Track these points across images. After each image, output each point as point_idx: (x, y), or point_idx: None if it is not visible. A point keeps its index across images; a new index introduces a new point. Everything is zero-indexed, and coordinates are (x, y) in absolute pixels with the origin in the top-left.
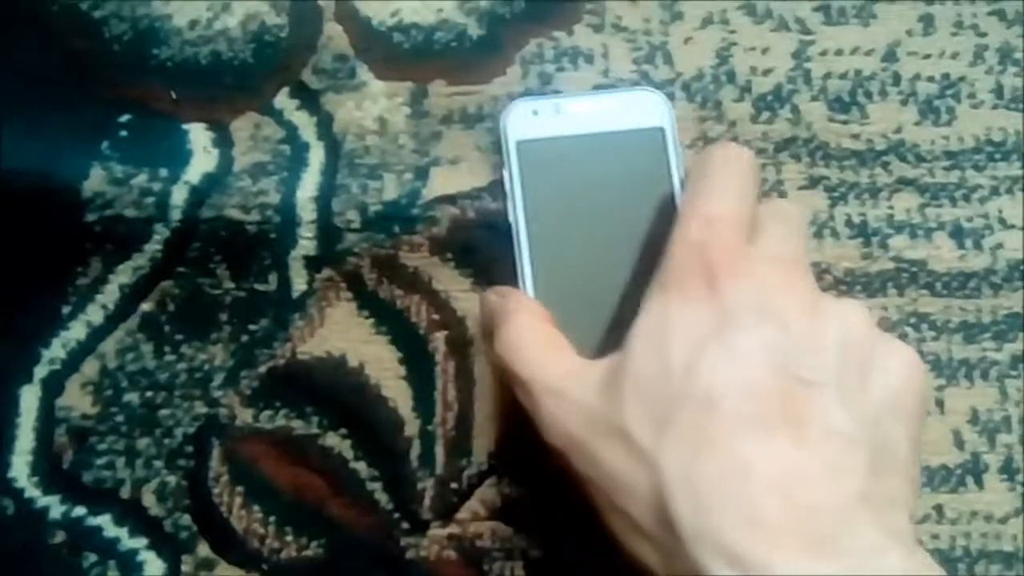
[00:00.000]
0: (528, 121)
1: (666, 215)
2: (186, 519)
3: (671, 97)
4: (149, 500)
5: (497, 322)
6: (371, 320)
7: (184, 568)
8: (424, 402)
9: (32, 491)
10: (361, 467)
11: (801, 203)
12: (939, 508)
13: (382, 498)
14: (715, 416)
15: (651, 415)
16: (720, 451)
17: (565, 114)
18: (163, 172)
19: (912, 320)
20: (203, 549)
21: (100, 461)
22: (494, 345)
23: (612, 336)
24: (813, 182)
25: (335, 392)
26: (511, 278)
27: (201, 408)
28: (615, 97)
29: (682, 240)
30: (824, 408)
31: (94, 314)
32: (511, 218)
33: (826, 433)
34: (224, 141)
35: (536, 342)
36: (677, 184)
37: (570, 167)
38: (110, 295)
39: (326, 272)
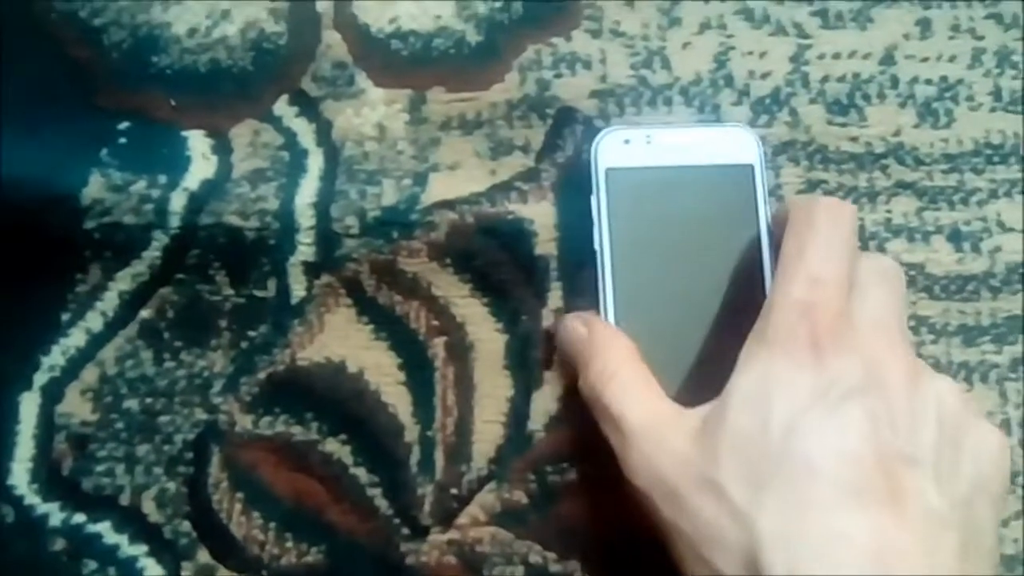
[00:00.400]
0: (619, 149)
1: (751, 254)
2: (186, 526)
3: (669, 102)
4: (149, 507)
5: (587, 353)
6: (370, 326)
7: (184, 575)
8: (423, 408)
9: (32, 498)
10: (361, 473)
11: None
12: None
13: (382, 504)
14: (815, 482)
15: (748, 473)
16: (818, 517)
17: (656, 145)
18: (162, 179)
19: (911, 323)
20: (203, 556)
21: (100, 468)
22: (585, 376)
23: (692, 373)
24: (811, 186)
25: (334, 398)
26: (510, 284)
27: (201, 415)
28: (707, 131)
29: (786, 297)
30: (922, 486)
31: (93, 321)
32: (596, 244)
33: (924, 511)
34: (223, 148)
35: (631, 380)
36: (763, 223)
37: (658, 198)
38: (109, 302)
39: (325, 278)
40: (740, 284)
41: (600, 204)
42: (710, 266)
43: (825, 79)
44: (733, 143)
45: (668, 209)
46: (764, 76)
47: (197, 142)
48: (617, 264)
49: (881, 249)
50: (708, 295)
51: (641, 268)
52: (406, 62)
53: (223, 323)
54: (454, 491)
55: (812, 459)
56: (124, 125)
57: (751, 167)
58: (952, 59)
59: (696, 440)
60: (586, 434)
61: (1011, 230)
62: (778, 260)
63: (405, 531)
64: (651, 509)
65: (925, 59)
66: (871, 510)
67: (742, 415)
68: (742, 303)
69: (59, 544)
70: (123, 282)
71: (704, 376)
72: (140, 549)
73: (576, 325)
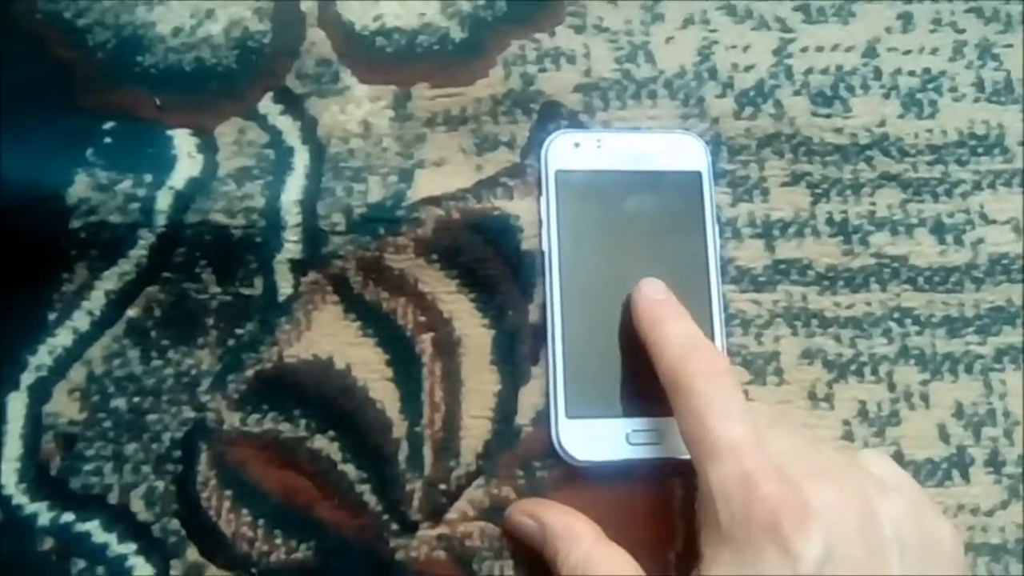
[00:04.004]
0: (569, 152)
1: (697, 259)
2: (175, 524)
3: (653, 95)
4: (137, 505)
5: (552, 547)
6: (357, 322)
7: (173, 573)
8: (411, 404)
9: (20, 498)
10: (349, 469)
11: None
12: None
13: (371, 500)
14: None
15: None
16: None
17: (606, 149)
18: (148, 178)
19: (896, 315)
20: (192, 553)
21: (88, 467)
22: (560, 570)
23: (635, 377)
24: (796, 178)
25: (322, 395)
26: (497, 279)
27: (188, 413)
28: (657, 137)
29: (720, 476)
30: None
31: (80, 320)
32: (544, 245)
33: None
34: (209, 146)
35: (604, 561)
36: (710, 229)
37: (606, 201)
38: (96, 301)
39: (312, 275)
40: (686, 289)
41: (548, 205)
42: (657, 271)
43: (809, 71)
44: (682, 150)
45: (616, 213)
46: (748, 69)
47: (182, 141)
48: (564, 266)
49: (864, 243)
50: None
51: (588, 269)
52: (391, 59)
53: (210, 321)
54: (443, 487)
55: None
56: (109, 125)
57: (699, 174)
58: (934, 51)
59: None
60: None
61: (993, 222)
62: (685, 439)
63: (394, 527)
64: None
65: (907, 52)
66: None
67: None
68: (687, 308)
69: (48, 543)
70: (109, 281)
71: (647, 381)
72: (129, 547)
73: (524, 521)
